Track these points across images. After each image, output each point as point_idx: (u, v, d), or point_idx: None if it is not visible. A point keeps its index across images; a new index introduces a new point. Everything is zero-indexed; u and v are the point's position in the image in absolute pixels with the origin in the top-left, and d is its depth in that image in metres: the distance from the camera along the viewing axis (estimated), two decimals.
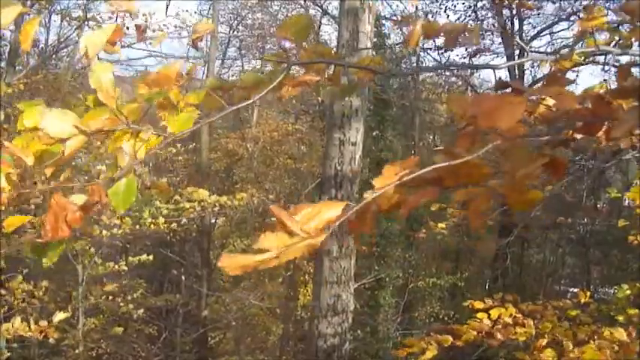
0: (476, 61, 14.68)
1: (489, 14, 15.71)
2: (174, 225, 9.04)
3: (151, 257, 9.50)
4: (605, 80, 14.58)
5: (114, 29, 1.33)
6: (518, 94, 0.98)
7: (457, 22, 15.40)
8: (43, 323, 5.83)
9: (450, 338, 4.21)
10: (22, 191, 1.20)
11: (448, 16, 15.18)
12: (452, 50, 14.70)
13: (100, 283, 10.02)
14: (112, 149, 1.22)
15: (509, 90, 1.15)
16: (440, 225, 6.58)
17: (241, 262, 0.89)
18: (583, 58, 1.65)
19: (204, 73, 15.20)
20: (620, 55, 1.61)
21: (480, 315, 4.46)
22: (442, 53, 15.04)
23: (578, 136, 1.00)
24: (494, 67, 2.10)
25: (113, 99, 1.13)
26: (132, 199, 1.21)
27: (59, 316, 5.91)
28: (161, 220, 8.72)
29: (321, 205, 0.93)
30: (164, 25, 13.87)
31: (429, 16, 16.13)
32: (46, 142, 1.13)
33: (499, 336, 4.31)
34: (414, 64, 16.32)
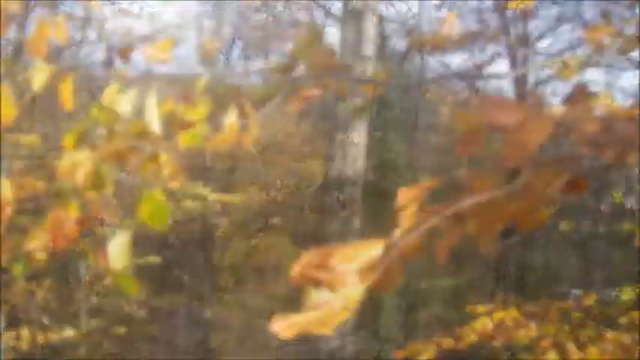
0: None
1: (494, 16, 15.67)
2: (176, 216, 8.95)
3: (159, 259, 9.39)
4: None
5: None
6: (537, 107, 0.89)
7: (461, 24, 15.40)
8: (52, 336, 5.83)
9: (452, 341, 4.20)
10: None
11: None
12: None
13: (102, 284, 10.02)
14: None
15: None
16: None
17: (294, 322, 0.81)
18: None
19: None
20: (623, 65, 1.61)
21: (481, 319, 4.45)
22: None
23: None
24: (498, 77, 2.10)
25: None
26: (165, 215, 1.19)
27: (67, 332, 5.92)
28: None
29: (357, 247, 0.82)
30: (168, 26, 13.81)
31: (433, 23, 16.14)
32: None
33: (501, 337, 4.30)
34: (417, 67, 16.28)
